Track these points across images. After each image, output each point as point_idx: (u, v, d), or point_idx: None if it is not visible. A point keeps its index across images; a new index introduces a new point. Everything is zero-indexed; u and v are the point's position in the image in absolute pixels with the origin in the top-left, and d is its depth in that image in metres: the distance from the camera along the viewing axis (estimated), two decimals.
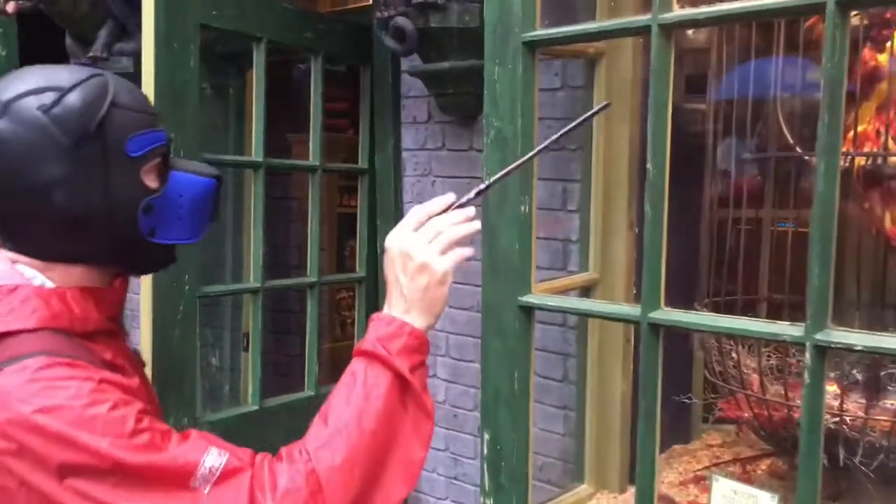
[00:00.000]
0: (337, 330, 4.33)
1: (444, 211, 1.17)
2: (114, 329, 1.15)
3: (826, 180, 1.32)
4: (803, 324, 1.36)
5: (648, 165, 1.52)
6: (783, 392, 1.75)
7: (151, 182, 1.13)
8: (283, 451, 1.09)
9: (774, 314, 2.09)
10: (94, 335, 1.07)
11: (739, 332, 1.49)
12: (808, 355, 1.36)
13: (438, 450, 2.68)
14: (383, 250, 1.16)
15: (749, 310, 2.03)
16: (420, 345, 1.12)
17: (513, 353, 1.79)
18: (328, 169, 2.67)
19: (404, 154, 2.66)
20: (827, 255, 1.34)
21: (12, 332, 1.00)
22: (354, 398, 1.06)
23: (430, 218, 1.16)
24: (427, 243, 1.13)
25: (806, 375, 1.37)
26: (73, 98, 1.04)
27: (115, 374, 1.02)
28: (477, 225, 1.18)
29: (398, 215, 2.68)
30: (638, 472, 1.58)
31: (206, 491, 0.96)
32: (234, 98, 3.60)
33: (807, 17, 1.82)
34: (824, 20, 1.29)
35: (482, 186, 1.24)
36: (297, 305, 3.64)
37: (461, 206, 1.21)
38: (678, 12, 1.46)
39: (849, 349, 1.35)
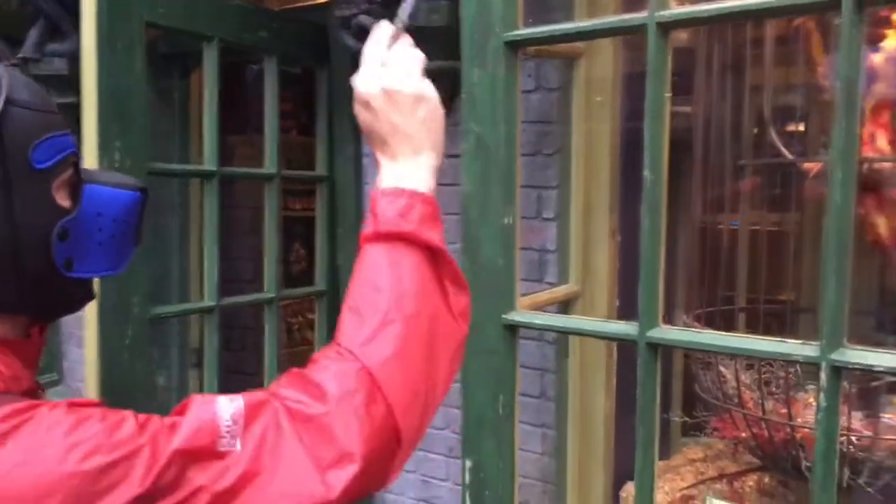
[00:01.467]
0: (283, 336, 4.19)
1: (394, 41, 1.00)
2: (36, 389, 0.93)
3: (843, 189, 1.23)
4: (817, 343, 1.28)
5: (646, 172, 1.42)
6: (781, 409, 1.67)
7: (63, 200, 0.90)
8: (315, 356, 0.90)
9: (754, 323, 2.03)
10: (26, 396, 0.86)
11: (747, 352, 1.39)
12: (823, 377, 1.27)
13: (408, 471, 2.54)
14: (354, 101, 0.98)
15: (731, 321, 1.97)
16: (435, 210, 0.96)
17: (497, 373, 1.67)
18: (286, 177, 2.51)
19: (365, 160, 2.52)
20: (843, 268, 1.25)
21: None
22: (385, 283, 0.89)
23: (389, 50, 0.97)
24: (406, 74, 0.96)
25: (821, 398, 1.28)
26: None
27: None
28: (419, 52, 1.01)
29: (359, 224, 2.54)
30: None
31: (237, 447, 0.79)
32: (178, 102, 3.41)
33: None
34: (817, 19, 1.21)
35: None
36: (250, 321, 3.47)
37: (399, 30, 1.01)
38: (676, 10, 1.36)
39: (868, 370, 1.27)
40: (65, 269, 0.90)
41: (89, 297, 0.99)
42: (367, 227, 0.95)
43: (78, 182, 0.93)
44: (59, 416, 0.76)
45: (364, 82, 0.96)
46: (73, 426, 0.75)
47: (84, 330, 1.92)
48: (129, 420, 0.79)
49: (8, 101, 0.83)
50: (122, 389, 1.94)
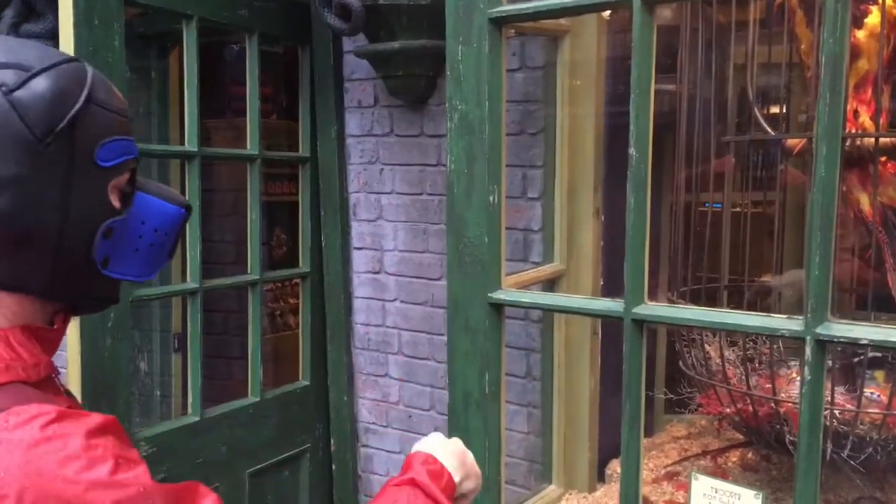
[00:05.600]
0: (265, 321, 4.15)
1: None
2: (53, 369, 0.93)
3: (827, 164, 1.24)
4: (801, 317, 1.29)
5: (631, 150, 1.42)
6: (765, 384, 1.68)
7: (115, 200, 0.93)
8: None
9: (737, 299, 2.04)
10: (41, 384, 0.87)
11: (732, 327, 1.40)
12: (807, 350, 1.28)
13: (392, 452, 2.55)
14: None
15: (713, 297, 1.97)
16: (453, 495, 1.11)
17: (483, 352, 1.67)
18: (267, 158, 2.48)
19: (349, 140, 2.51)
20: (827, 243, 1.26)
21: None
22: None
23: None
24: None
25: (806, 371, 1.29)
26: (42, 82, 0.84)
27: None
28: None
29: (344, 205, 2.53)
30: (622, 481, 1.49)
31: None
32: (157, 83, 3.36)
33: None
34: None
35: None
36: (232, 304, 3.45)
37: None
38: None
39: (853, 343, 1.28)
40: (101, 266, 0.92)
41: (114, 299, 1.00)
42: (405, 471, 1.08)
43: (131, 188, 0.96)
44: (75, 449, 0.76)
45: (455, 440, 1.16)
46: (84, 468, 0.76)
47: None
48: (140, 468, 0.80)
49: (88, 99, 0.87)
50: (103, 373, 1.93)
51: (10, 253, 0.85)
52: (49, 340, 0.91)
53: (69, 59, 0.88)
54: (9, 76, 0.83)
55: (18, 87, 0.82)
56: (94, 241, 0.90)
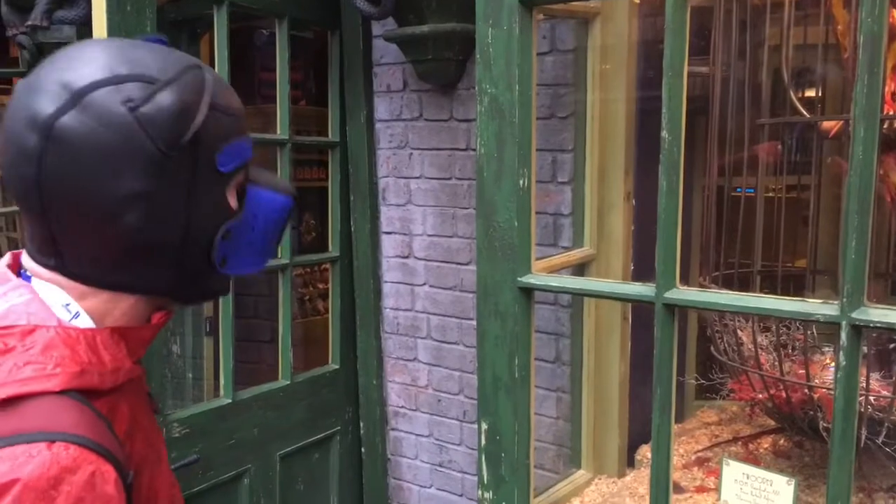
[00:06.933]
0: (295, 306, 4.19)
1: None
2: (138, 372, 0.93)
3: (865, 146, 1.22)
4: (836, 302, 1.27)
5: (663, 133, 1.40)
6: (798, 370, 1.66)
7: (233, 200, 0.92)
8: None
9: (770, 286, 2.02)
10: (120, 389, 0.86)
11: (766, 311, 1.38)
12: (843, 335, 1.26)
13: (422, 436, 2.56)
14: None
15: (746, 283, 1.95)
16: None
17: (512, 336, 1.67)
18: (297, 143, 2.49)
19: (378, 125, 2.51)
20: (864, 227, 1.24)
21: (25, 394, 0.77)
22: None
23: None
24: None
25: (841, 357, 1.28)
26: (167, 97, 0.81)
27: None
28: None
29: (373, 190, 2.53)
30: (653, 466, 1.48)
31: None
32: None
33: None
34: None
35: None
36: (262, 288, 3.48)
37: None
38: None
39: (890, 328, 1.26)
40: (220, 266, 0.92)
41: (227, 289, 1.00)
42: None
43: (245, 183, 0.95)
44: None
45: None
46: None
47: None
48: None
49: (211, 106, 0.85)
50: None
51: (136, 261, 0.86)
52: (140, 339, 0.91)
53: (189, 67, 0.85)
54: (135, 91, 0.81)
55: (145, 102, 0.80)
56: (213, 243, 0.90)
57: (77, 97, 0.79)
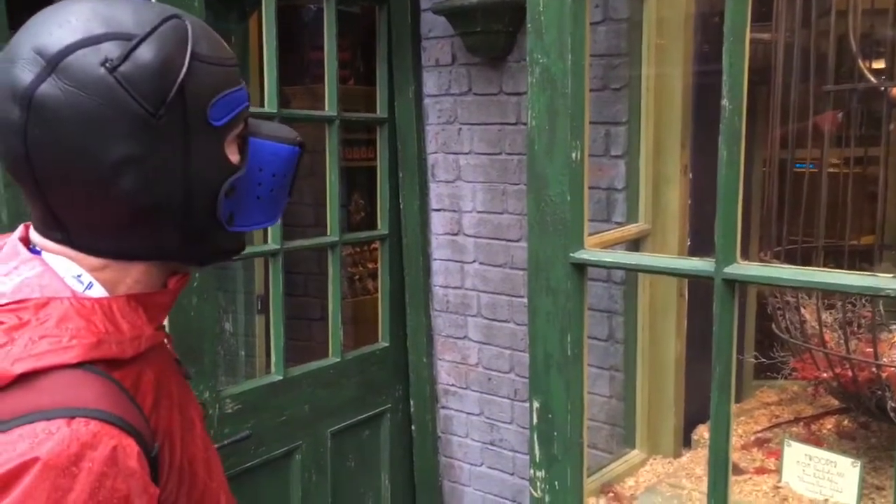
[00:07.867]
0: (344, 285, 4.20)
1: None
2: (161, 339, 0.91)
3: None
4: None
5: (724, 101, 1.34)
6: (865, 349, 1.59)
7: (232, 155, 0.88)
8: None
9: (834, 262, 1.94)
10: (143, 356, 0.85)
11: (831, 287, 1.32)
12: None
13: (472, 414, 2.54)
14: None
15: (808, 259, 1.88)
16: None
17: (565, 313, 1.63)
18: (346, 120, 2.47)
19: (426, 100, 2.48)
20: None
21: (42, 369, 0.75)
22: None
23: None
24: None
25: None
26: (146, 52, 0.77)
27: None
28: None
29: (422, 166, 2.51)
30: (711, 446, 1.44)
31: None
32: (237, 47, 3.39)
33: None
34: None
35: None
36: (312, 266, 3.49)
37: None
38: None
39: None
40: (227, 224, 0.89)
41: (241, 247, 0.97)
42: None
43: (246, 135, 0.91)
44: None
45: None
46: None
47: None
48: None
49: (192, 56, 0.80)
50: (189, 332, 1.97)
51: (139, 227, 0.84)
52: (159, 305, 0.89)
53: (167, 17, 0.80)
54: (112, 50, 0.77)
55: (123, 61, 0.77)
56: (217, 201, 0.87)
57: (53, 63, 0.76)
